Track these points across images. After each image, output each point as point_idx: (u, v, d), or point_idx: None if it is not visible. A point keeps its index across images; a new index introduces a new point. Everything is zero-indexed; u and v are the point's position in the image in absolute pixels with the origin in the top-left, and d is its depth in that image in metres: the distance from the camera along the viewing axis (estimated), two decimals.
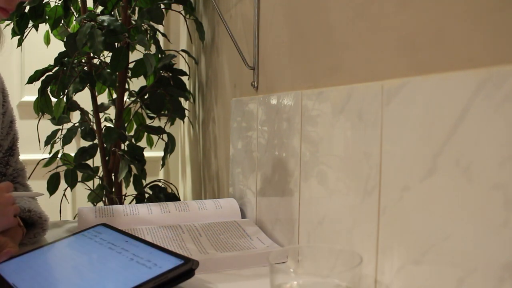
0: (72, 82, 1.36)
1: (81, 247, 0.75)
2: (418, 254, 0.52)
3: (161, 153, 1.51)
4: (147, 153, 1.48)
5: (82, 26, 1.26)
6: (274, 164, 0.90)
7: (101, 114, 1.51)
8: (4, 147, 0.88)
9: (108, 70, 1.39)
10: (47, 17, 1.44)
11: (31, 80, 1.39)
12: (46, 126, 1.49)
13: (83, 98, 1.54)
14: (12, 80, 2.02)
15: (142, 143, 1.55)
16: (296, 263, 0.69)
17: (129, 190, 1.53)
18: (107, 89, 1.60)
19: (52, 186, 1.43)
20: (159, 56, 1.41)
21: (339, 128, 0.67)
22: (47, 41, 1.59)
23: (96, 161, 1.50)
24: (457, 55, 0.48)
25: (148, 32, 1.41)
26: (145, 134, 1.58)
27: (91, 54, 1.41)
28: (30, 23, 1.43)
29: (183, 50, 1.63)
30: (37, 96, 1.40)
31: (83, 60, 1.45)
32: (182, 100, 1.65)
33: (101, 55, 1.43)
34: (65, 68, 1.37)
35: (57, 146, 1.49)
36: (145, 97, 1.47)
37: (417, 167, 0.52)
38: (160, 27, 1.96)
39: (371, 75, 0.62)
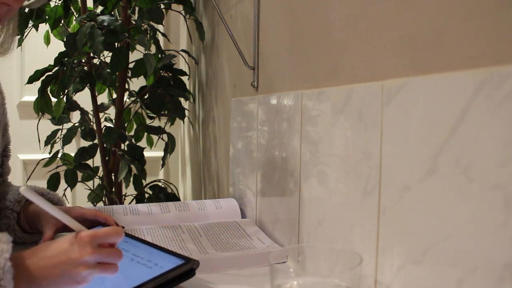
0: (72, 82, 1.36)
1: None
2: (418, 254, 0.52)
3: (161, 153, 1.51)
4: (147, 153, 1.48)
5: (82, 26, 1.26)
6: (274, 164, 0.90)
7: (101, 114, 1.51)
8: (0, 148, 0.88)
9: (108, 70, 1.38)
10: (47, 17, 1.44)
11: (31, 80, 1.39)
12: (46, 126, 1.49)
13: (83, 98, 1.54)
14: (12, 80, 2.02)
15: (142, 143, 1.55)
16: (296, 263, 0.69)
17: (129, 190, 1.53)
18: (107, 89, 1.60)
19: (52, 186, 1.43)
20: (159, 56, 1.40)
21: (339, 128, 0.67)
22: (47, 41, 1.59)
23: (96, 161, 1.50)
24: (457, 55, 0.48)
25: (148, 32, 1.41)
26: (145, 134, 1.58)
27: (91, 54, 1.41)
28: (30, 23, 1.43)
29: (183, 50, 1.63)
30: (37, 96, 1.40)
31: (83, 60, 1.45)
32: (182, 100, 1.65)
33: (101, 55, 1.43)
34: (65, 68, 1.37)
35: (57, 146, 1.49)
36: (145, 97, 1.47)
37: (417, 167, 0.52)
38: (160, 27, 1.96)
39: (371, 75, 0.62)
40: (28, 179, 1.58)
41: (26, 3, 0.67)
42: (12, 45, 0.74)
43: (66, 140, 1.45)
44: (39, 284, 0.54)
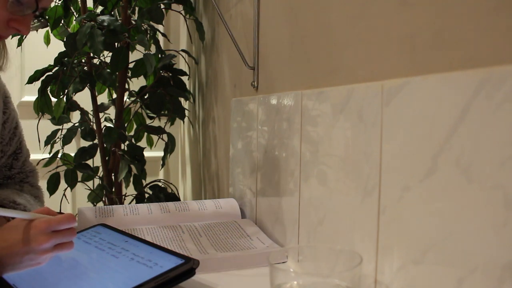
0: (72, 82, 1.36)
1: (81, 247, 0.75)
2: (418, 254, 0.52)
3: (161, 153, 1.51)
4: (147, 153, 1.48)
5: (82, 26, 1.26)
6: (274, 164, 0.90)
7: (101, 114, 1.51)
8: (7, 152, 0.88)
9: (108, 70, 1.38)
10: (47, 17, 1.44)
11: (31, 80, 1.39)
12: (46, 126, 1.49)
13: (83, 98, 1.54)
14: (12, 80, 2.02)
15: (142, 143, 1.55)
16: (296, 263, 0.69)
17: (129, 190, 1.52)
18: (107, 89, 1.60)
19: (52, 186, 1.42)
20: (159, 56, 1.40)
21: (339, 128, 0.67)
22: (47, 41, 1.59)
23: (96, 161, 1.50)
24: (457, 55, 0.48)
25: (148, 32, 1.41)
26: (145, 134, 1.58)
27: (91, 54, 1.41)
28: None
29: (183, 50, 1.63)
30: (37, 96, 1.40)
31: (83, 60, 1.45)
32: (182, 100, 1.65)
33: (101, 55, 1.43)
34: (65, 68, 1.37)
35: (57, 146, 1.49)
36: (145, 97, 1.47)
37: (417, 167, 0.52)
38: (160, 27, 1.95)
39: (371, 75, 0.62)
40: None
41: None
42: (5, 61, 0.76)
43: (66, 140, 1.45)
44: (2, 270, 0.60)
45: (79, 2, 1.45)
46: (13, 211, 0.62)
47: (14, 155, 0.89)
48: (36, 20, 0.68)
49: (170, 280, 0.61)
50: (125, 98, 1.49)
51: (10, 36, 1.03)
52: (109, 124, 1.52)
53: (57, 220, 0.61)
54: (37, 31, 1.52)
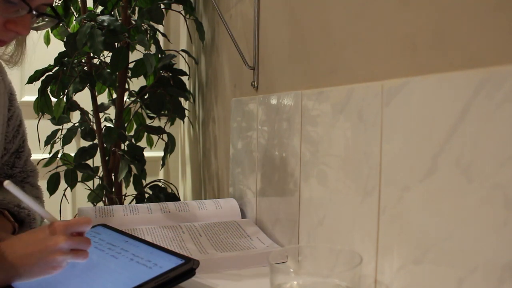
0: (72, 82, 1.36)
1: None
2: (418, 254, 0.52)
3: (161, 153, 1.51)
4: (147, 153, 1.48)
5: (82, 26, 1.26)
6: (274, 164, 0.90)
7: (101, 114, 1.51)
8: (10, 150, 0.88)
9: (108, 70, 1.38)
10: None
11: (31, 80, 1.39)
12: (46, 126, 1.48)
13: (83, 98, 1.54)
14: (12, 80, 2.02)
15: (142, 143, 1.55)
16: (296, 263, 0.69)
17: (129, 190, 1.52)
18: (107, 89, 1.60)
19: (52, 186, 1.42)
20: (159, 56, 1.40)
21: (339, 128, 0.67)
22: (47, 41, 1.59)
23: (96, 161, 1.50)
24: (457, 55, 0.48)
25: (148, 32, 1.41)
26: (145, 134, 1.58)
27: (91, 54, 1.41)
28: None
29: (183, 50, 1.63)
30: (37, 96, 1.40)
31: (83, 60, 1.45)
32: (182, 100, 1.65)
33: (101, 55, 1.43)
34: (65, 68, 1.37)
35: (57, 146, 1.49)
36: (145, 97, 1.47)
37: (417, 167, 0.52)
38: (160, 27, 1.95)
39: (371, 75, 0.62)
40: None
41: (34, 25, 0.66)
42: (22, 57, 0.75)
43: (66, 140, 1.45)
44: (17, 272, 0.58)
45: (79, 2, 1.45)
46: (40, 208, 0.62)
47: (16, 153, 0.89)
48: (41, 18, 0.66)
49: (170, 280, 0.61)
50: (125, 98, 1.49)
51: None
52: (109, 124, 1.52)
53: (75, 222, 0.61)
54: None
